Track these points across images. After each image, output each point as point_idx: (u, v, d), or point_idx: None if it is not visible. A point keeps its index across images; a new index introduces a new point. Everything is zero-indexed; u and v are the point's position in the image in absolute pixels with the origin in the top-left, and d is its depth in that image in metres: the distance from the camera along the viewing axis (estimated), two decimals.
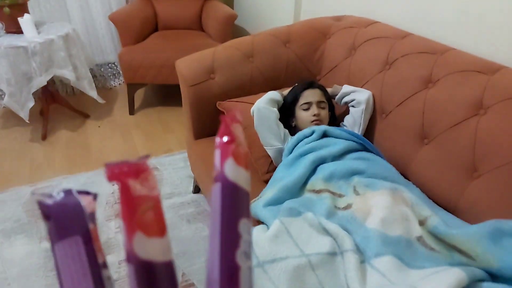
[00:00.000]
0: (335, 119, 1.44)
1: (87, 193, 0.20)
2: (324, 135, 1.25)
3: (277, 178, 1.16)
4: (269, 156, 1.31)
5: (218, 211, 0.20)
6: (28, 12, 2.13)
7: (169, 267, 0.19)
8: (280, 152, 1.29)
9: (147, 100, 2.92)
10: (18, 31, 2.10)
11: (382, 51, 1.42)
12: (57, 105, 2.55)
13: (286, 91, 1.42)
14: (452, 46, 1.32)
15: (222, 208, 0.20)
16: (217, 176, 0.21)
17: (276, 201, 1.06)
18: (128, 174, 0.18)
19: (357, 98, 1.36)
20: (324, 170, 1.13)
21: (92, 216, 0.19)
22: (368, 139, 1.39)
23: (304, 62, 1.62)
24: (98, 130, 2.50)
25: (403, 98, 1.29)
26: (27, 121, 2.16)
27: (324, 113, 1.34)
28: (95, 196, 0.21)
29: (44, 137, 2.42)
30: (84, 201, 0.19)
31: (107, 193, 1.90)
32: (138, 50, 2.50)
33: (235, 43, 1.57)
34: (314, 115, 1.30)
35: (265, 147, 1.30)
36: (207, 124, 1.54)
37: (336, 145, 1.20)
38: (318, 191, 1.08)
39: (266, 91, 1.53)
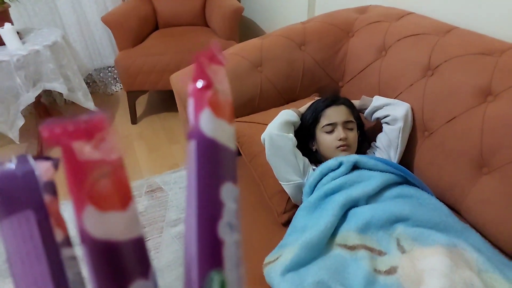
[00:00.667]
0: (365, 139, 1.18)
1: (47, 159, 0.17)
2: (355, 166, 1.00)
3: (298, 228, 0.92)
4: (285, 191, 1.07)
5: (194, 175, 0.16)
6: (10, 21, 1.91)
7: (136, 245, 0.15)
8: (299, 187, 1.04)
9: (150, 106, 2.70)
10: (1, 42, 1.89)
11: (422, 52, 1.14)
12: (52, 118, 2.35)
13: (304, 107, 1.17)
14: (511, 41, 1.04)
15: (199, 171, 0.16)
16: (191, 132, 0.16)
17: (298, 264, 0.83)
18: (76, 134, 0.14)
19: (393, 113, 1.10)
20: (358, 217, 0.88)
21: (50, 185, 0.16)
22: (405, 162, 1.14)
23: (323, 67, 1.35)
24: None
25: (453, 113, 1.02)
26: (18, 142, 1.96)
27: (352, 136, 1.08)
28: (56, 163, 0.17)
29: None
30: (40, 168, 0.16)
31: None
32: (136, 53, 2.27)
33: (240, 49, 1.32)
34: (340, 139, 1.05)
35: (280, 182, 1.05)
36: None
37: (370, 181, 0.95)
38: (351, 247, 0.84)
39: (278, 105, 1.29)
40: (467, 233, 0.88)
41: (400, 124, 1.09)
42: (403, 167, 1.00)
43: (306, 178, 1.04)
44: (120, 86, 2.92)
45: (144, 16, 2.47)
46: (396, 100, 1.13)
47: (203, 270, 0.16)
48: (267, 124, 1.20)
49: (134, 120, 2.48)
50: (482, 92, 0.97)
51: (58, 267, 0.15)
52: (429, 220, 0.87)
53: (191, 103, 0.17)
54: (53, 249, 0.15)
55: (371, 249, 0.84)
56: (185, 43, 2.35)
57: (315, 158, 1.13)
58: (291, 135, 1.05)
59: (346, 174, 0.98)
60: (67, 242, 0.16)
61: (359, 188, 0.94)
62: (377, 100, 1.15)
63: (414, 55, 1.17)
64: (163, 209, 1.74)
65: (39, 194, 0.16)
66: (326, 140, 1.07)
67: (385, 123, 1.13)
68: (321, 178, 0.99)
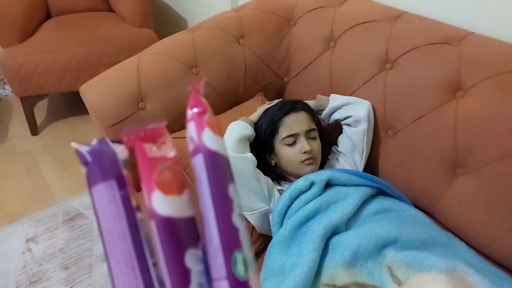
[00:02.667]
0: (324, 143, 1.05)
1: (119, 142, 0.21)
2: (327, 183, 0.86)
3: (274, 270, 0.77)
4: (247, 220, 0.90)
5: (205, 181, 0.20)
6: None
7: (189, 223, 0.20)
8: (265, 215, 0.88)
9: (53, 111, 2.27)
10: None
11: (377, 43, 1.03)
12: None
13: (255, 115, 0.99)
14: (463, 27, 0.98)
15: (209, 177, 0.20)
16: (196, 148, 0.21)
17: None
18: (145, 139, 0.19)
19: (354, 114, 0.98)
20: (343, 248, 0.75)
21: (126, 162, 0.20)
22: (369, 163, 1.04)
23: (266, 63, 1.18)
24: None
25: (420, 111, 0.93)
26: None
27: (317, 146, 0.94)
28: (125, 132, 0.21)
29: None
30: (118, 148, 0.20)
31: (18, 258, 1.36)
32: (26, 50, 1.84)
33: (168, 48, 1.08)
34: (305, 152, 0.90)
35: (243, 213, 0.88)
36: None
37: (347, 200, 0.83)
38: None
39: (221, 111, 1.10)
40: (454, 244, 0.82)
41: (363, 125, 0.98)
42: (377, 178, 0.89)
43: (272, 203, 0.88)
44: (11, 88, 2.41)
45: (31, 3, 2.01)
46: (355, 98, 1.02)
47: (227, 253, 0.19)
48: None
49: (34, 130, 2.06)
50: (451, 87, 0.90)
51: (134, 225, 0.19)
52: (417, 238, 0.78)
53: (192, 126, 0.21)
54: (130, 210, 0.19)
55: (363, 286, 0.72)
56: (89, 34, 1.97)
57: (276, 173, 0.98)
58: (250, 155, 0.87)
59: (320, 195, 0.84)
60: (138, 207, 0.20)
61: (337, 210, 0.80)
62: (335, 100, 1.02)
63: (368, 46, 1.05)
64: (89, 241, 1.44)
65: (119, 168, 0.20)
66: (288, 154, 0.92)
67: (347, 124, 1.01)
68: (291, 203, 0.84)
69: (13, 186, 1.73)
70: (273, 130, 0.93)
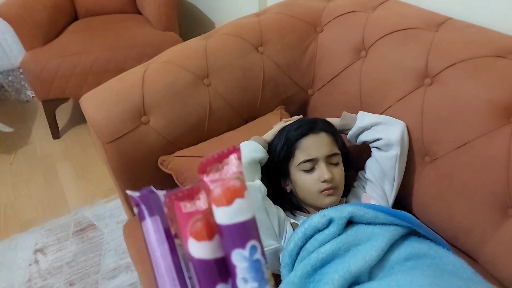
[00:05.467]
0: (350, 166, 0.92)
1: (162, 189, 0.27)
2: (348, 220, 0.73)
3: None
4: None
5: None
6: None
7: (219, 262, 0.23)
8: (276, 253, 0.76)
9: (76, 114, 2.25)
10: None
11: (415, 54, 0.89)
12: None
13: (270, 134, 0.88)
14: None
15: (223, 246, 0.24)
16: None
17: None
18: (182, 198, 0.24)
19: (385, 136, 0.84)
20: None
21: (166, 203, 0.25)
22: (402, 193, 0.90)
23: (288, 73, 1.06)
24: (10, 169, 1.85)
25: (465, 137, 0.78)
26: None
27: (339, 173, 0.81)
28: (167, 191, 0.26)
29: None
30: (160, 193, 0.26)
31: (24, 270, 1.31)
32: (49, 53, 1.82)
33: (177, 56, 0.98)
34: (325, 180, 0.77)
35: None
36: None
37: (372, 243, 0.69)
38: None
39: (236, 127, 1.00)
40: None
41: (396, 150, 0.84)
42: (410, 215, 0.75)
43: (283, 240, 0.76)
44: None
45: (56, 5, 2.00)
46: (387, 118, 0.88)
47: None
48: None
49: (56, 134, 2.04)
50: (504, 110, 0.74)
51: (173, 248, 0.24)
52: None
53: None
54: (170, 237, 0.24)
55: None
56: (112, 38, 1.93)
57: (291, 202, 0.85)
58: (259, 182, 0.76)
59: (339, 235, 0.71)
60: (176, 235, 0.25)
61: (359, 256, 0.67)
62: (363, 118, 0.88)
63: (404, 57, 0.91)
64: (97, 255, 1.38)
65: (161, 207, 0.25)
66: (305, 181, 0.79)
67: (376, 148, 0.87)
68: (305, 243, 0.72)
69: (29, 192, 1.71)
70: (289, 153, 0.81)
